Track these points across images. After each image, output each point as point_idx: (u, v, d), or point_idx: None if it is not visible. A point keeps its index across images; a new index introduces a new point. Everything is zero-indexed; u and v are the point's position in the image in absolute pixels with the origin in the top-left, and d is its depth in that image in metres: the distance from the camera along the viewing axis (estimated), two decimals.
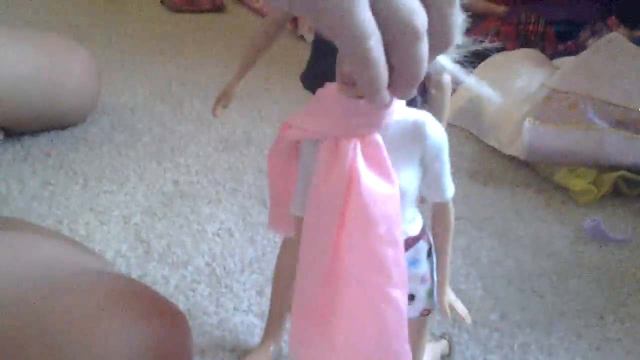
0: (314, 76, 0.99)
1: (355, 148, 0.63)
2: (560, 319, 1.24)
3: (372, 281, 0.65)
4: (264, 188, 1.58)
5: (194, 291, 1.24)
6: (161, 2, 2.98)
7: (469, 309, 1.23)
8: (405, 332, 0.66)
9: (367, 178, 0.63)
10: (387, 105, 0.61)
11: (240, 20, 2.87)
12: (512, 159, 1.79)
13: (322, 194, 0.65)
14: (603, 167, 1.69)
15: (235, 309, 1.20)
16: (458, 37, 0.66)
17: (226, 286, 1.26)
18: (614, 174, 1.65)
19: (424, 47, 0.51)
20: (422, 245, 0.76)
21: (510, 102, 1.88)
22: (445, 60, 0.66)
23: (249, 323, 1.17)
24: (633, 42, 1.99)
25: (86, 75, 1.78)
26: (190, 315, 1.17)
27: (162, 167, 1.65)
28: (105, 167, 1.63)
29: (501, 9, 2.54)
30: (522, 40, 2.37)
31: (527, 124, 1.75)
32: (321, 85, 0.75)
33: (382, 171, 0.64)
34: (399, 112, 0.66)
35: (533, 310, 1.26)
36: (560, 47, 2.32)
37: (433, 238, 0.78)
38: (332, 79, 0.72)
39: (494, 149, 1.85)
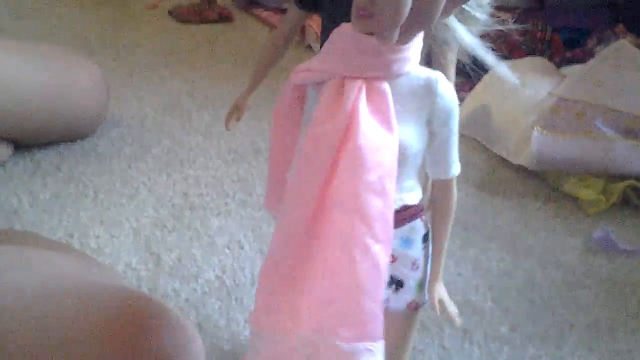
0: None
1: (360, 89, 0.62)
2: (570, 332, 1.24)
3: (353, 232, 0.61)
4: None
5: (204, 304, 1.24)
6: (169, 13, 2.99)
7: (480, 321, 1.24)
8: (380, 293, 0.62)
9: (367, 122, 0.62)
10: (396, 47, 0.60)
11: (248, 31, 2.88)
12: (520, 168, 1.79)
13: (318, 134, 0.63)
14: (612, 177, 1.69)
15: (246, 322, 1.20)
16: (481, 11, 0.67)
17: (236, 299, 1.26)
18: (623, 184, 1.65)
19: None
20: (419, 226, 0.74)
21: (518, 110, 1.88)
22: (466, 34, 0.66)
23: None
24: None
25: (94, 88, 1.79)
26: (201, 328, 1.18)
27: (171, 179, 1.66)
28: (115, 179, 1.64)
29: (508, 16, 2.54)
30: (529, 48, 2.37)
31: (535, 133, 1.75)
32: None
33: (384, 118, 0.62)
34: (412, 66, 0.65)
35: (543, 323, 1.26)
36: (568, 54, 2.32)
37: (431, 223, 0.75)
38: None
39: (502, 158, 1.85)
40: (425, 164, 0.72)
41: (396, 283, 0.72)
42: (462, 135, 1.91)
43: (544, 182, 1.76)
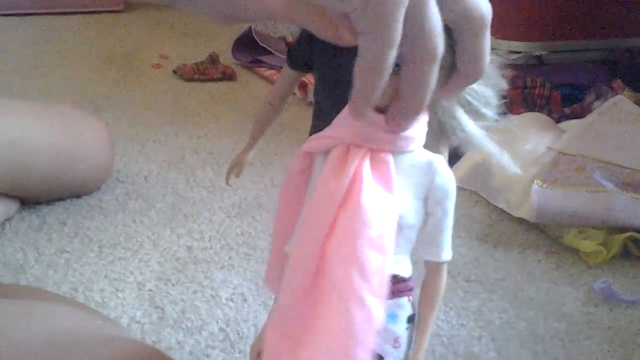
0: None
1: (364, 156, 0.64)
2: None
3: (350, 287, 0.62)
4: None
5: (208, 357, 1.25)
6: (174, 72, 3.04)
7: None
8: (371, 343, 0.62)
9: (369, 182, 0.63)
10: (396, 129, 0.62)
11: (251, 89, 2.93)
12: (521, 221, 1.81)
13: (322, 193, 0.65)
14: (612, 229, 1.70)
15: None
16: (490, 109, 0.69)
17: (240, 351, 1.26)
18: (623, 235, 1.66)
19: (435, 71, 0.54)
20: (406, 304, 0.72)
21: (518, 165, 1.90)
22: (471, 125, 0.68)
23: None
24: (638, 105, 2.02)
25: (100, 144, 1.82)
26: None
27: (175, 233, 1.68)
28: (120, 234, 1.66)
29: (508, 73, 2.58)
30: (529, 104, 2.40)
31: (535, 186, 1.77)
32: None
33: (385, 182, 0.64)
34: (417, 146, 0.66)
35: None
36: (566, 110, 2.35)
37: (419, 304, 0.74)
38: None
39: (503, 212, 1.86)
40: (418, 245, 0.72)
41: (375, 358, 0.72)
42: (463, 190, 1.95)
43: (545, 234, 1.77)
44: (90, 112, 1.93)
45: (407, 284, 0.72)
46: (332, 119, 0.77)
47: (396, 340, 0.73)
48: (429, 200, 0.68)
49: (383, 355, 0.74)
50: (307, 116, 1.12)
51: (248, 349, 1.27)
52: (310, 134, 1.08)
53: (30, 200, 1.75)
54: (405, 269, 0.72)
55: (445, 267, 0.73)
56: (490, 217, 1.86)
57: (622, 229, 1.70)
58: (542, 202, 1.75)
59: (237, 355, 1.25)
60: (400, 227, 0.67)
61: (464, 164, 1.99)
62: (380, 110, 0.63)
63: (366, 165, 0.64)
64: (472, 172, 1.99)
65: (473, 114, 0.70)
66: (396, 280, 0.71)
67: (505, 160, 0.71)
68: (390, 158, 0.64)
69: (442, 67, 0.57)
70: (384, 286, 0.63)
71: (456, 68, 0.59)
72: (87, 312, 1.14)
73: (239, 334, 1.31)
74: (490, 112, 0.71)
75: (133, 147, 2.19)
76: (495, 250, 1.69)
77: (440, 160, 0.68)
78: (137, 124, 2.41)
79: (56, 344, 0.91)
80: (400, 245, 0.69)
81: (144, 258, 1.56)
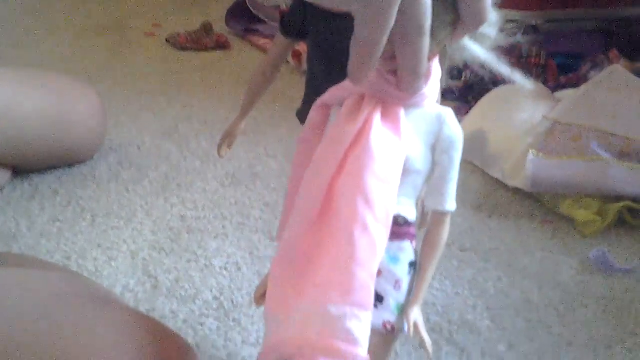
0: (309, 112, 1.01)
1: (377, 104, 0.68)
2: (568, 350, 1.25)
3: (355, 214, 0.65)
4: (270, 222, 1.59)
5: (202, 325, 1.24)
6: (167, 41, 3.01)
7: (477, 341, 1.24)
8: (374, 268, 0.66)
9: (379, 126, 0.67)
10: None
11: (245, 58, 2.90)
12: (516, 190, 1.80)
13: (334, 136, 0.69)
14: (608, 198, 1.70)
15: (243, 342, 1.20)
16: (492, 29, 0.71)
17: (234, 320, 1.26)
18: (618, 205, 1.66)
19: (426, 42, 0.59)
20: (409, 249, 0.75)
21: (513, 134, 1.89)
22: (478, 49, 0.70)
23: (257, 356, 1.17)
24: (634, 75, 2.01)
25: (92, 112, 1.80)
26: (199, 349, 1.18)
27: (169, 202, 1.67)
28: (113, 203, 1.65)
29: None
30: (524, 73, 2.38)
31: (530, 156, 1.76)
32: None
33: (395, 127, 0.68)
34: (429, 102, 0.71)
35: (541, 341, 1.26)
36: (562, 79, 2.33)
37: (421, 253, 0.76)
38: None
39: (498, 181, 1.86)
40: (424, 194, 0.76)
41: (377, 297, 0.72)
42: None
43: (540, 203, 1.77)
44: (82, 81, 1.90)
45: (410, 228, 0.75)
46: (326, 86, 0.79)
47: (397, 282, 0.75)
48: (436, 149, 0.72)
49: (384, 295, 0.75)
50: (301, 85, 1.11)
51: (243, 318, 1.27)
52: (303, 103, 1.07)
53: (22, 169, 1.73)
54: (409, 213, 0.74)
55: (448, 219, 0.76)
56: (486, 187, 1.86)
57: (617, 198, 1.69)
58: (538, 172, 1.74)
59: (232, 323, 1.25)
60: (408, 171, 0.71)
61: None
62: (394, 72, 0.66)
63: (377, 112, 0.68)
64: (467, 142, 1.97)
65: (477, 37, 0.71)
66: (400, 222, 0.74)
67: (517, 78, 0.73)
68: (401, 109, 0.69)
69: (448, 24, 0.62)
70: (388, 216, 0.67)
71: (460, 21, 0.62)
72: (80, 280, 1.13)
73: (233, 303, 1.31)
74: (494, 32, 0.72)
75: (126, 116, 2.18)
76: (490, 219, 1.69)
77: (449, 113, 0.72)
78: (129, 94, 2.39)
79: (50, 312, 0.90)
80: (406, 189, 0.73)
81: (137, 227, 1.55)
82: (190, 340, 1.19)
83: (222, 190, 1.74)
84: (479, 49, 0.71)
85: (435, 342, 1.22)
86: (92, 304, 0.96)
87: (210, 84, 2.55)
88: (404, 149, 0.68)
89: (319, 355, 0.65)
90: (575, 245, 1.59)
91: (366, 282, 0.65)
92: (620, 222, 1.68)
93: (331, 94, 0.74)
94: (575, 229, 1.65)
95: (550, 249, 1.57)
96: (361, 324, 0.65)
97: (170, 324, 1.22)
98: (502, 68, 0.72)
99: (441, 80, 0.73)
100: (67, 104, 1.75)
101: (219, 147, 1.16)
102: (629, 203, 1.67)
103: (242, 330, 1.23)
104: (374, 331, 0.73)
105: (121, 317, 0.93)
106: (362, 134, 0.67)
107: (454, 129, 0.72)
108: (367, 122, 0.68)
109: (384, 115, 0.68)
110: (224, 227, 1.57)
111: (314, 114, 0.77)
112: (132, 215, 1.60)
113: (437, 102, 0.77)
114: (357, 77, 0.62)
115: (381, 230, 0.66)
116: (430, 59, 0.67)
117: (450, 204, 0.75)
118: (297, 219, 0.71)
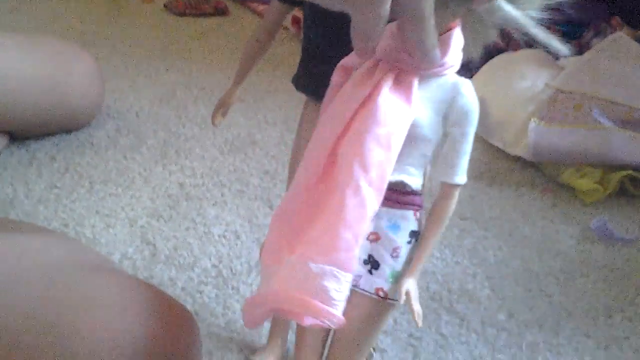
0: (305, 77, 1.00)
1: (391, 70, 0.67)
2: (568, 319, 1.24)
3: (349, 175, 0.66)
4: (269, 190, 1.58)
5: (201, 293, 1.24)
6: (165, 6, 2.98)
7: (477, 309, 1.24)
8: (360, 231, 0.66)
9: (388, 90, 0.67)
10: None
11: (244, 24, 2.87)
12: (517, 159, 1.79)
13: (342, 99, 0.69)
14: (609, 167, 1.69)
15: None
16: None
17: (233, 287, 1.25)
18: (620, 174, 1.65)
19: (430, 23, 0.59)
20: (411, 218, 0.74)
21: (514, 102, 1.88)
22: (514, 10, 0.68)
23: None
24: (637, 42, 1.99)
25: (90, 79, 1.78)
26: (197, 316, 1.17)
27: (167, 170, 1.65)
28: (111, 170, 1.63)
29: None
30: (527, 40, 2.36)
31: (532, 124, 1.74)
32: (313, 86, 0.77)
33: (406, 93, 0.67)
34: (451, 72, 0.69)
35: (541, 310, 1.26)
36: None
37: (425, 224, 0.75)
38: (322, 79, 0.75)
39: (499, 150, 1.84)
40: (434, 167, 0.74)
41: (372, 263, 0.72)
42: None
43: (541, 172, 1.76)
44: (78, 45, 1.87)
45: (415, 197, 0.73)
46: (322, 53, 0.77)
47: (395, 249, 0.74)
48: (448, 119, 0.70)
49: (380, 262, 0.74)
50: (300, 52, 1.09)
51: (241, 286, 1.26)
52: (299, 69, 1.05)
53: (19, 135, 1.72)
54: (415, 182, 0.73)
55: (457, 192, 0.74)
56: (486, 155, 1.84)
57: (619, 167, 1.68)
58: (539, 140, 1.73)
59: (230, 291, 1.24)
60: (415, 138, 0.69)
61: None
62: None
63: (390, 78, 0.67)
64: None
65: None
66: (405, 191, 0.72)
67: (553, 42, 0.71)
68: (415, 77, 0.67)
69: None
70: (383, 181, 0.66)
71: None
72: (79, 248, 1.12)
73: (231, 271, 1.30)
74: None
75: (123, 82, 2.16)
76: (491, 188, 1.68)
77: (466, 83, 0.69)
78: (127, 60, 2.37)
79: (48, 278, 0.89)
80: (414, 157, 0.71)
81: (135, 194, 1.54)
82: (189, 307, 1.18)
83: (221, 157, 1.73)
84: (515, 10, 0.69)
85: (434, 311, 1.22)
86: (90, 271, 0.95)
87: (208, 50, 2.53)
88: (411, 117, 0.67)
89: (296, 310, 0.67)
90: (576, 214, 1.59)
91: (350, 243, 0.66)
92: (622, 192, 1.67)
93: (352, 56, 0.73)
94: (576, 198, 1.65)
95: (550, 218, 1.56)
96: (339, 285, 0.66)
97: (169, 292, 1.22)
98: (538, 31, 0.71)
99: (467, 48, 0.71)
100: (64, 70, 1.73)
101: (213, 115, 1.14)
102: (630, 172, 1.66)
103: (240, 298, 1.23)
104: (367, 297, 0.73)
105: (120, 284, 0.92)
106: (370, 98, 0.67)
107: (470, 100, 0.69)
108: (376, 87, 0.67)
109: (397, 82, 0.67)
110: (222, 194, 1.56)
111: (335, 76, 0.75)
112: (130, 183, 1.59)
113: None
114: (363, 54, 0.62)
115: (372, 194, 0.66)
116: (447, 30, 0.66)
117: (460, 178, 0.73)
118: (301, 176, 0.71)
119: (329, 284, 0.66)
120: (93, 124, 1.85)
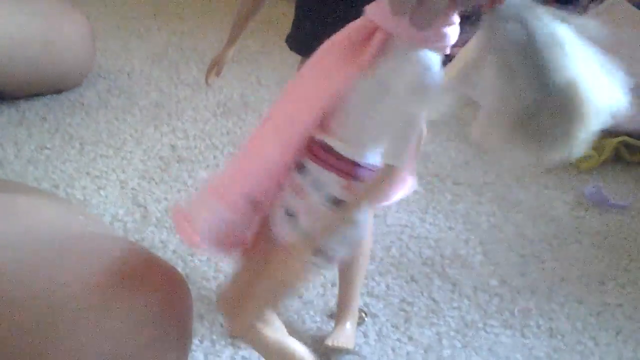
0: (298, 37, 0.99)
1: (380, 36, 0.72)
2: (560, 285, 1.24)
3: (275, 122, 0.75)
4: None
5: (192, 256, 1.23)
6: None
7: (469, 274, 1.24)
8: (256, 171, 0.74)
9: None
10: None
11: None
12: None
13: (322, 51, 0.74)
14: (604, 133, 1.67)
15: None
16: None
17: None
18: (615, 140, 1.64)
19: None
20: (333, 181, 0.73)
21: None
22: None
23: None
24: (636, 7, 1.97)
25: (81, 38, 1.76)
26: (188, 279, 1.16)
27: (159, 131, 1.64)
28: (102, 131, 1.62)
29: None
30: None
31: None
32: (307, 45, 0.76)
33: (368, 59, 0.73)
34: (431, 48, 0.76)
35: (533, 276, 1.26)
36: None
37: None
38: (315, 39, 0.74)
39: None
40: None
41: (287, 211, 0.75)
42: (453, 91, 1.90)
43: None
44: (70, 5, 1.84)
45: (342, 162, 0.73)
46: (316, 13, 0.77)
47: (310, 207, 0.74)
48: (398, 92, 0.73)
49: (294, 214, 0.75)
50: (293, 14, 1.07)
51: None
52: (292, 29, 1.03)
53: (8, 94, 1.69)
54: (344, 149, 0.73)
55: (390, 173, 0.74)
56: None
57: (614, 133, 1.67)
58: None
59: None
60: (356, 108, 0.72)
61: (453, 64, 1.94)
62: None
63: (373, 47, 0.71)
64: (462, 73, 1.94)
65: None
66: (330, 152, 0.73)
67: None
68: (392, 42, 0.72)
69: None
70: (293, 133, 0.73)
71: None
72: (69, 208, 1.11)
73: None
74: None
75: (115, 42, 2.13)
76: (485, 153, 1.67)
77: (428, 58, 0.76)
78: (118, 18, 2.33)
79: (39, 239, 0.88)
80: (348, 125, 0.73)
81: (126, 156, 1.52)
82: (180, 270, 1.16)
83: (214, 119, 1.71)
84: None
85: (427, 276, 1.21)
86: (81, 233, 0.94)
87: (201, 10, 2.49)
88: (352, 81, 0.71)
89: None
90: (570, 180, 1.58)
91: (236, 181, 0.75)
92: (617, 158, 1.66)
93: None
94: (570, 164, 1.63)
95: (545, 184, 1.55)
96: (209, 215, 0.74)
97: (160, 255, 1.20)
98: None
99: None
100: (54, 28, 1.70)
101: (207, 74, 1.12)
102: (625, 138, 1.65)
103: (231, 262, 1.22)
104: (279, 242, 0.77)
105: (111, 247, 0.91)
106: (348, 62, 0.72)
107: (424, 66, 0.75)
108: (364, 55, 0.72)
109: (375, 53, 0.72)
110: (215, 157, 1.55)
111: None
112: (121, 144, 1.57)
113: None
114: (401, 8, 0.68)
115: (275, 141, 0.73)
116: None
117: (394, 157, 0.73)
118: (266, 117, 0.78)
119: (199, 211, 0.76)
120: (84, 84, 1.83)
